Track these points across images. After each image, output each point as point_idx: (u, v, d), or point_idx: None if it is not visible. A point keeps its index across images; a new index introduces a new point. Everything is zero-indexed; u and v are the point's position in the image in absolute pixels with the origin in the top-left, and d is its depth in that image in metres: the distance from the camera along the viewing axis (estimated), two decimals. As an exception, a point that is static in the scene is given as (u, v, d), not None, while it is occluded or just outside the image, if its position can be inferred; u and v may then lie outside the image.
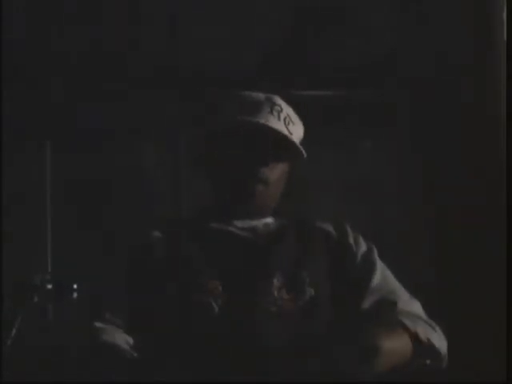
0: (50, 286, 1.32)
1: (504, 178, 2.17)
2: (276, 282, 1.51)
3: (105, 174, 2.67)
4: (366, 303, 1.55)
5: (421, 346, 1.49)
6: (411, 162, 2.74)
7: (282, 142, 1.57)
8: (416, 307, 1.58)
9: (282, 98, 1.64)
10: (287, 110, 1.62)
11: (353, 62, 2.67)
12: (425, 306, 1.61)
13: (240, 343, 1.43)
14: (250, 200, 1.58)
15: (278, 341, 1.44)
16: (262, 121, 1.55)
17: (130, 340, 1.47)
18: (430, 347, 1.51)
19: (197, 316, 1.47)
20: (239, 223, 1.61)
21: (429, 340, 1.50)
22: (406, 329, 1.49)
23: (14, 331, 1.27)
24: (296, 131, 1.62)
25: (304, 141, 1.66)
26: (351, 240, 1.63)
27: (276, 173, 1.60)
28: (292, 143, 1.58)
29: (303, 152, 1.59)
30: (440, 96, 2.63)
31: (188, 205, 2.58)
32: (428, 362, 1.51)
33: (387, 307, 1.55)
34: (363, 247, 1.63)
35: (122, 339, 1.46)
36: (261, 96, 1.62)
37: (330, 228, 1.65)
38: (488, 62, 2.43)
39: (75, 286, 1.34)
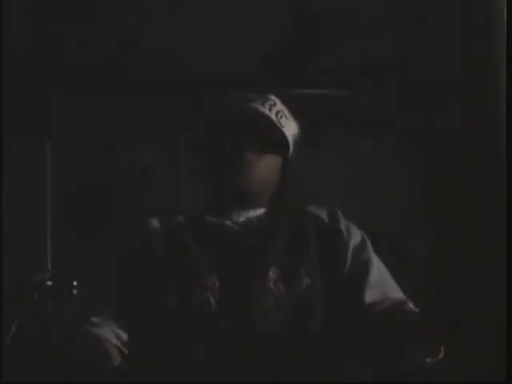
0: (49, 284, 1.32)
1: (504, 177, 2.17)
2: (272, 274, 1.51)
3: (105, 173, 2.67)
4: (368, 297, 1.55)
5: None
6: (411, 162, 2.75)
7: (271, 130, 1.58)
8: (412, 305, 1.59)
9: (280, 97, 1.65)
10: (281, 107, 1.64)
11: (353, 62, 2.67)
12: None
13: (238, 337, 1.44)
14: (239, 183, 1.58)
15: (277, 333, 1.45)
16: (253, 106, 1.58)
17: (124, 335, 1.47)
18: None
19: (195, 312, 1.47)
20: (234, 216, 1.61)
21: None
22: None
23: (13, 329, 1.27)
24: (288, 126, 1.63)
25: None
26: (342, 226, 1.62)
27: (265, 160, 1.60)
28: (281, 133, 1.59)
29: (290, 145, 1.61)
30: (440, 96, 2.63)
31: (188, 204, 2.58)
32: (428, 360, 1.52)
33: (402, 305, 1.55)
34: (356, 238, 1.62)
35: (112, 332, 1.46)
36: (255, 94, 1.64)
37: (322, 214, 1.65)
38: (488, 62, 2.43)
39: (75, 284, 1.34)
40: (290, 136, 1.61)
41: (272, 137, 1.59)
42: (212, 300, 1.48)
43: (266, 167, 1.60)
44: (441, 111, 2.64)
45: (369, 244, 1.63)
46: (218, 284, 1.49)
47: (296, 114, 1.66)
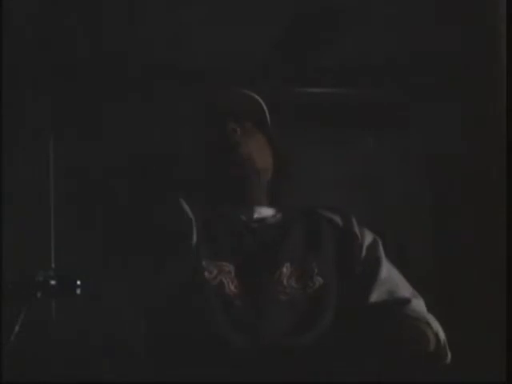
0: (53, 282, 1.32)
1: (504, 177, 2.17)
2: (285, 270, 1.51)
3: (109, 171, 2.66)
4: (374, 297, 1.55)
5: (438, 346, 1.50)
6: (411, 162, 2.75)
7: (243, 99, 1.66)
8: (423, 304, 1.59)
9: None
10: None
11: (353, 61, 2.68)
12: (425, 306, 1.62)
13: (249, 332, 1.43)
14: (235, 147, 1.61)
15: (288, 330, 1.44)
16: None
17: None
18: (444, 348, 1.52)
19: (208, 294, 1.46)
20: (248, 213, 1.61)
21: (444, 341, 1.51)
22: (430, 327, 1.50)
23: (17, 328, 1.27)
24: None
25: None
26: (357, 230, 1.63)
27: (252, 135, 1.65)
28: (254, 99, 1.66)
29: (266, 110, 1.67)
30: (440, 96, 2.64)
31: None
32: (448, 361, 1.52)
33: (401, 304, 1.55)
34: (368, 239, 1.63)
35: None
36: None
37: (336, 217, 1.65)
38: (488, 61, 2.43)
39: (79, 282, 1.33)
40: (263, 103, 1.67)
41: (249, 105, 1.65)
42: (225, 282, 1.47)
43: (257, 143, 1.64)
44: (441, 111, 2.65)
45: (380, 244, 1.65)
46: (233, 273, 1.49)
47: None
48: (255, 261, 1.51)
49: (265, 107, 1.69)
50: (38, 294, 1.31)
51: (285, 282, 1.50)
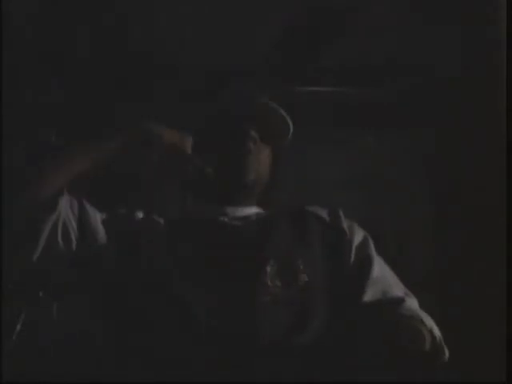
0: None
1: (504, 177, 2.17)
2: (269, 269, 1.49)
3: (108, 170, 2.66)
4: (368, 296, 1.54)
5: (434, 343, 1.50)
6: (411, 161, 2.75)
7: (276, 118, 1.63)
8: (416, 302, 1.59)
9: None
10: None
11: (353, 61, 2.68)
12: (424, 306, 1.61)
13: (234, 334, 1.41)
14: (241, 172, 1.59)
15: (273, 330, 1.43)
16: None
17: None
18: (441, 345, 1.51)
19: (190, 307, 1.44)
20: (231, 211, 1.60)
21: (439, 337, 1.51)
22: (424, 325, 1.50)
23: (18, 327, 1.27)
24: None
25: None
26: (345, 225, 1.61)
27: (263, 152, 1.64)
28: (285, 120, 1.63)
29: (290, 124, 1.64)
30: (440, 96, 2.64)
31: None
32: (446, 358, 1.52)
33: (396, 303, 1.54)
34: (358, 236, 1.61)
35: None
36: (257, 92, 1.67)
37: (323, 213, 1.64)
38: (488, 61, 2.43)
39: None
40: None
41: (276, 125, 1.62)
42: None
43: (263, 158, 1.63)
44: (441, 110, 2.65)
45: (371, 242, 1.63)
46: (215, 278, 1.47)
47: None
48: (238, 261, 1.49)
49: (291, 130, 1.66)
50: (40, 294, 1.31)
51: (269, 282, 1.48)
